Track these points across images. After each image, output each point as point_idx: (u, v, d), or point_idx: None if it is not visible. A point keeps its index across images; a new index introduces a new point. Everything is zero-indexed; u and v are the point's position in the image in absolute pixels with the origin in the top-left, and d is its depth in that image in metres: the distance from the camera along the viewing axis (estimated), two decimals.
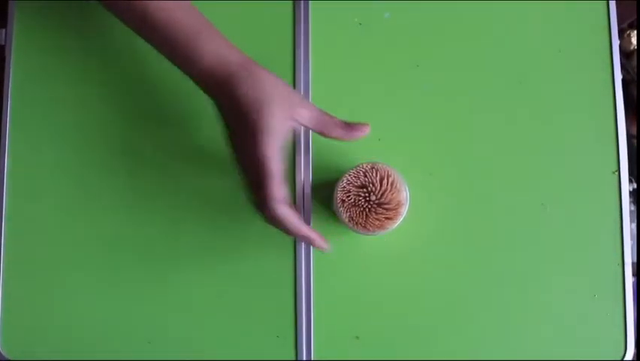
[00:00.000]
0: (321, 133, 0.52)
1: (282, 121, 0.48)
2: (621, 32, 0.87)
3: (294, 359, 0.62)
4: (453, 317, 0.62)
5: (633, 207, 0.85)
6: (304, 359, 0.61)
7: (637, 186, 0.85)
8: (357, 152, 0.62)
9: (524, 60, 0.65)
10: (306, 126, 0.52)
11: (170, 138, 0.64)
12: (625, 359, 0.61)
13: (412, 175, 0.61)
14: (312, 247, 0.62)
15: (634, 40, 0.87)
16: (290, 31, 0.65)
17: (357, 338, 0.62)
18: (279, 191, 0.49)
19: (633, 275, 0.79)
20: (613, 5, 0.65)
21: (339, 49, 0.65)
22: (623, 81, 0.67)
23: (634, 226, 0.84)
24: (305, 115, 0.50)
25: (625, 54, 0.88)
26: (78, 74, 0.65)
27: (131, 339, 0.62)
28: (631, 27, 0.89)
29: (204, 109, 0.63)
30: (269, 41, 0.65)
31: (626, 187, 0.63)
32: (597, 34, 0.65)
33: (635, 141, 0.86)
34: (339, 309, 0.62)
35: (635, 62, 0.88)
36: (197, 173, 0.63)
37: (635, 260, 0.81)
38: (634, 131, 0.85)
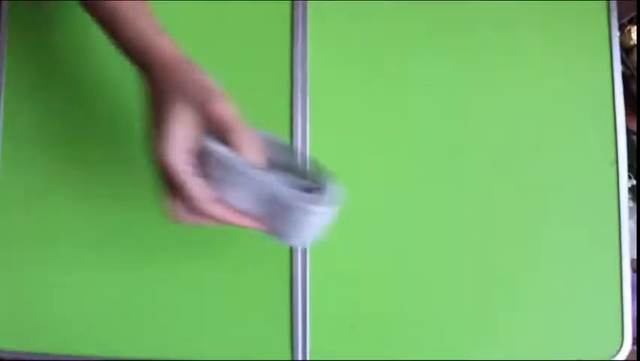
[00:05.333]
0: (226, 136, 0.46)
1: (187, 122, 0.45)
2: (621, 28, 0.87)
3: (289, 347, 0.62)
4: (448, 307, 0.62)
5: (632, 204, 0.84)
6: (300, 348, 0.61)
7: (637, 183, 0.84)
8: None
9: (523, 53, 0.65)
10: (215, 125, 0.46)
11: None
12: (622, 353, 0.61)
13: (410, 168, 0.61)
14: None
15: (634, 36, 0.87)
16: (288, 31, 0.65)
17: (352, 327, 0.62)
18: (202, 192, 0.46)
19: (633, 271, 0.79)
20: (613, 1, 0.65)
21: (337, 48, 0.65)
22: (623, 77, 0.67)
23: (632, 222, 0.84)
24: (216, 114, 0.45)
25: (625, 50, 0.88)
26: (72, 73, 0.66)
27: (124, 337, 0.63)
28: (631, 23, 0.89)
29: None
30: (267, 41, 0.65)
31: (625, 180, 0.63)
32: (598, 29, 0.65)
33: (634, 138, 0.85)
34: (334, 298, 0.62)
35: (634, 58, 0.88)
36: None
37: (635, 257, 0.81)
38: (633, 127, 0.85)
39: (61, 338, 0.63)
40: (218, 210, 0.48)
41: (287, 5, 0.66)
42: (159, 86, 0.46)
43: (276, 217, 0.51)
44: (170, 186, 0.47)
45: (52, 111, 0.65)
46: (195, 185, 0.46)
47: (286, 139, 0.63)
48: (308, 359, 0.62)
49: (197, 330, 0.63)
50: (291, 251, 0.62)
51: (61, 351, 0.63)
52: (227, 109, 0.46)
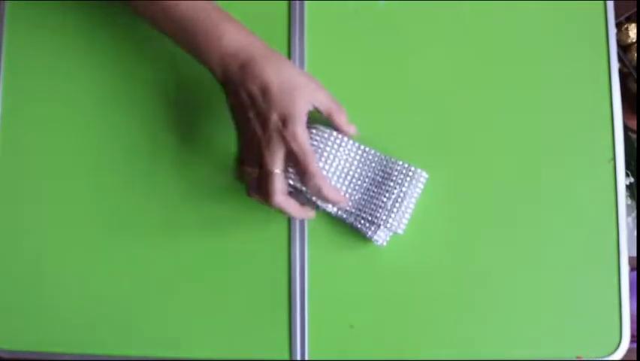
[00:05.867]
0: (329, 117, 0.57)
1: (305, 104, 0.54)
2: (619, 26, 0.87)
3: (287, 347, 0.62)
4: (447, 306, 0.62)
5: (630, 202, 0.85)
6: (298, 347, 0.61)
7: (637, 182, 0.85)
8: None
9: (521, 50, 0.65)
10: (319, 109, 0.56)
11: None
12: (619, 350, 0.61)
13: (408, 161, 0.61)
14: (306, 237, 0.63)
15: (631, 34, 0.87)
16: (285, 32, 0.65)
17: (352, 326, 0.62)
18: (317, 166, 0.54)
19: (632, 269, 0.79)
20: None
21: (335, 49, 0.65)
22: (620, 74, 0.67)
23: (630, 219, 0.84)
24: (322, 100, 0.56)
25: (622, 47, 0.88)
26: (69, 73, 0.66)
27: (123, 336, 0.63)
28: (629, 20, 0.89)
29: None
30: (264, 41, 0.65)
31: (622, 176, 0.63)
32: (595, 26, 0.65)
33: (632, 135, 0.86)
34: (333, 298, 0.62)
35: (631, 56, 0.88)
36: (191, 158, 0.64)
37: (633, 254, 0.81)
38: (631, 125, 0.85)
39: (61, 338, 0.64)
40: (326, 183, 0.55)
41: (284, 5, 0.66)
42: (267, 74, 0.53)
43: (371, 196, 0.60)
44: (292, 159, 0.54)
45: (51, 112, 0.66)
46: (314, 157, 0.54)
47: None
48: (307, 359, 0.62)
49: (195, 329, 0.63)
50: (289, 249, 0.63)
51: (61, 351, 0.63)
52: (329, 96, 0.57)
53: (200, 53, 0.56)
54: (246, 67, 0.54)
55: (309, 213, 0.59)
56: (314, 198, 0.59)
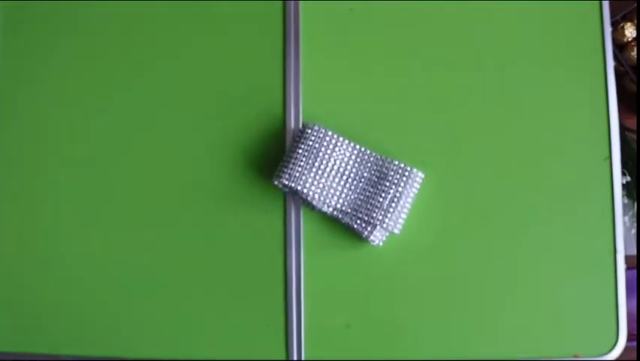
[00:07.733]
0: None
1: None
2: (615, 24, 0.87)
3: (284, 348, 0.62)
4: (444, 306, 0.62)
5: (627, 201, 0.85)
6: (294, 348, 0.61)
7: (637, 181, 0.84)
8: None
9: (517, 49, 0.65)
10: None
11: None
12: (616, 349, 0.61)
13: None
14: (302, 238, 0.63)
15: (627, 33, 0.87)
16: (280, 32, 0.66)
17: (348, 326, 0.62)
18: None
19: (632, 268, 0.79)
20: None
21: (329, 49, 0.66)
22: (617, 73, 0.67)
23: (627, 218, 0.84)
24: None
25: (618, 46, 0.88)
26: (64, 73, 0.66)
27: (122, 337, 0.64)
28: (624, 19, 0.89)
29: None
30: (259, 41, 0.66)
31: (618, 175, 0.63)
32: (591, 26, 0.66)
33: (629, 134, 0.86)
34: (329, 298, 0.62)
35: (627, 55, 0.88)
36: (191, 160, 0.64)
37: (632, 253, 0.81)
38: (627, 124, 0.85)
39: (60, 338, 0.64)
40: None
41: (279, 5, 0.66)
42: None
43: (367, 196, 0.60)
44: None
45: (47, 110, 0.66)
46: None
47: (279, 135, 0.64)
48: (303, 359, 0.62)
49: (191, 330, 0.63)
50: (285, 250, 0.62)
51: (59, 351, 0.63)
52: None
53: None
54: None
55: None
56: (309, 199, 0.60)
